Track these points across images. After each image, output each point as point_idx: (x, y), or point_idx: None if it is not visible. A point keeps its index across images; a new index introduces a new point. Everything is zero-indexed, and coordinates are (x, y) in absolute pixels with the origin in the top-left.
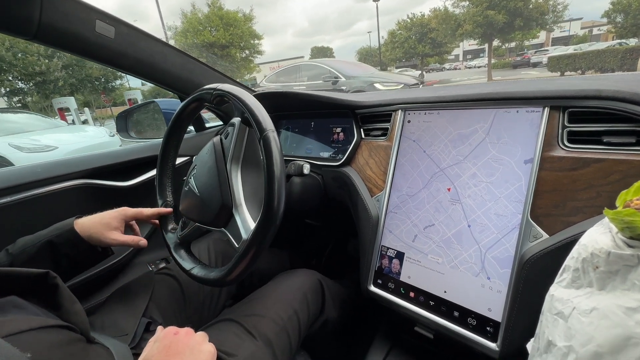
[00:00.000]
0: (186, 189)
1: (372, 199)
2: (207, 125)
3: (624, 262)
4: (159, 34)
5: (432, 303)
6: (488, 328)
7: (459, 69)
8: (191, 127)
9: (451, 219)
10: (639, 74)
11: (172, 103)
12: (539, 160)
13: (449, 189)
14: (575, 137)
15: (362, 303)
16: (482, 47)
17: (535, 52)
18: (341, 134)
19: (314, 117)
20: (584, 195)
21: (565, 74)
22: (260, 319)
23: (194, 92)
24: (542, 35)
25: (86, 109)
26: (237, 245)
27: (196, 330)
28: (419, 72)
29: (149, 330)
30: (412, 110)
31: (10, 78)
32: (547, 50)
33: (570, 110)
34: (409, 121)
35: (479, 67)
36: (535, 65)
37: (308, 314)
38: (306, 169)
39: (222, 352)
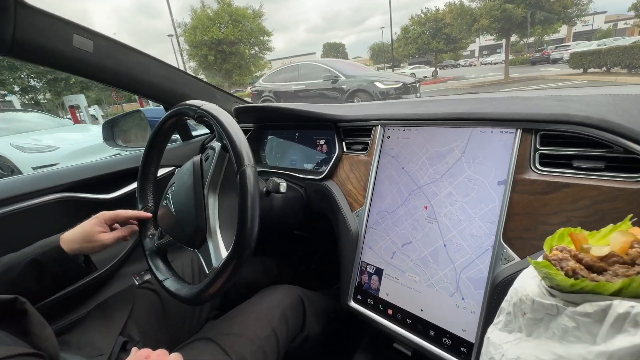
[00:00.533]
0: (164, 203)
1: (353, 214)
2: (194, 133)
3: (546, 310)
4: (170, 31)
5: (409, 321)
6: (462, 349)
7: (474, 65)
8: (177, 136)
9: (428, 237)
10: (612, 97)
11: (159, 111)
12: (512, 182)
13: (425, 207)
14: (547, 160)
15: (345, 317)
16: (499, 42)
17: (556, 47)
18: (324, 146)
19: (299, 128)
20: (555, 219)
21: (589, 71)
22: (238, 338)
23: (177, 106)
24: (563, 30)
25: (96, 106)
26: (207, 271)
27: (172, 349)
28: (432, 68)
29: (125, 350)
30: (391, 126)
31: (22, 76)
32: (569, 45)
33: (542, 133)
34: (388, 137)
35: (495, 63)
36: (555, 61)
37: (287, 331)
38: (282, 187)
39: None
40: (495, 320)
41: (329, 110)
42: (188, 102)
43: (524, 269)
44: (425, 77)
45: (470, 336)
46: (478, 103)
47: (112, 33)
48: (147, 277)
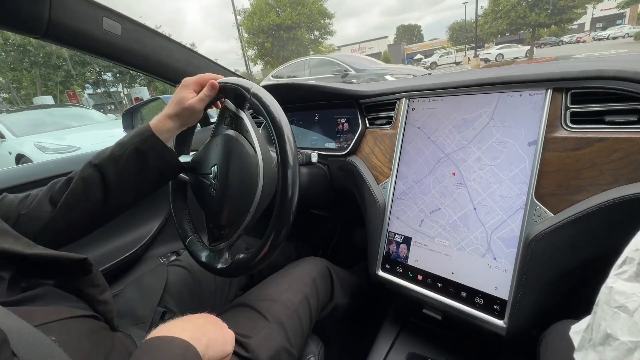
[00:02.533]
0: (213, 194)
1: (379, 187)
2: (212, 120)
3: None
4: (232, 19)
5: (439, 285)
6: (495, 306)
7: (583, 41)
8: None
9: (457, 203)
10: (635, 55)
11: None
12: (543, 142)
13: (454, 174)
14: (577, 118)
15: (370, 290)
16: (622, 11)
17: None
18: (345, 124)
19: (319, 108)
20: (587, 174)
21: None
22: (272, 303)
23: (223, 80)
24: None
25: None
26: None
27: None
28: (526, 47)
29: (164, 319)
30: (416, 97)
31: (97, 69)
32: None
33: (572, 91)
34: (413, 109)
35: (614, 37)
36: None
37: (318, 299)
38: (314, 157)
39: (238, 335)
40: (615, 271)
41: (351, 87)
42: (236, 79)
43: (558, 223)
44: (516, 58)
45: (503, 294)
46: (504, 70)
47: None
48: (173, 257)
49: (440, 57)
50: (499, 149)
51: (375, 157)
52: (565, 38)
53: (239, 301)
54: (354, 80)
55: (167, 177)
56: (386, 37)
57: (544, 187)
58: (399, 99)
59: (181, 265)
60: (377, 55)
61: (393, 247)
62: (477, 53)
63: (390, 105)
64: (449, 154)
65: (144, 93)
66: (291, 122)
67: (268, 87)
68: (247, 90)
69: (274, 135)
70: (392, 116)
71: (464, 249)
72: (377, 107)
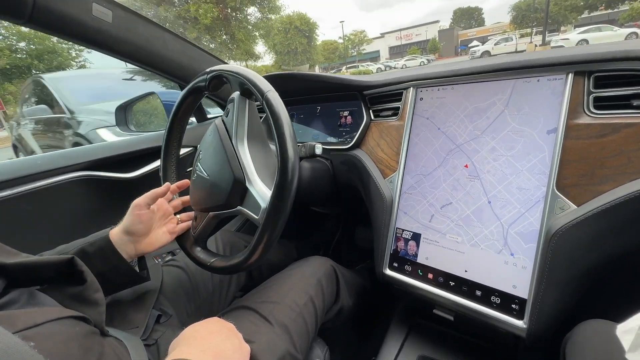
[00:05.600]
0: (194, 177)
1: (385, 181)
2: (209, 116)
3: None
4: None
5: (452, 283)
6: (513, 306)
7: None
8: (193, 119)
9: (470, 196)
10: None
11: (172, 94)
12: (564, 129)
13: (466, 166)
14: (601, 103)
15: (376, 291)
16: None
17: None
18: (349, 117)
19: (320, 101)
20: (615, 162)
21: None
22: (276, 305)
23: (190, 84)
24: None
25: None
26: (257, 217)
27: None
28: (626, 30)
29: (159, 322)
30: (424, 87)
31: None
32: None
33: (596, 75)
34: (421, 99)
35: None
36: None
37: (323, 300)
38: (318, 149)
39: None
40: None
41: (354, 77)
42: (198, 75)
43: (582, 216)
44: None
45: (523, 292)
46: (519, 56)
47: None
48: (168, 258)
49: (495, 44)
50: (515, 138)
51: (381, 151)
52: None
53: (241, 303)
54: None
55: (117, 285)
56: (437, 21)
57: (566, 178)
58: (405, 88)
59: (177, 265)
60: (423, 43)
61: (401, 244)
62: (549, 38)
63: (397, 96)
64: (461, 145)
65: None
66: (292, 117)
67: (268, 77)
68: (207, 74)
69: (273, 126)
70: (399, 107)
71: (478, 245)
72: (383, 98)
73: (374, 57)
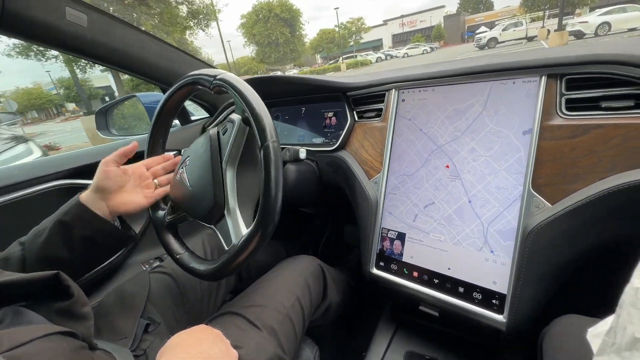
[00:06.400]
0: (177, 178)
1: (370, 182)
2: (193, 118)
3: None
4: None
5: (436, 281)
6: (494, 301)
7: None
8: (176, 121)
9: (451, 196)
10: (630, 39)
11: (154, 96)
12: (539, 130)
13: (447, 166)
14: (573, 105)
15: (364, 288)
16: None
17: None
18: (333, 118)
19: (305, 102)
20: (585, 162)
21: None
22: (263, 309)
23: (189, 75)
24: None
25: None
26: (227, 248)
27: None
28: None
29: (147, 332)
30: (406, 88)
31: None
32: None
33: (567, 77)
34: (403, 100)
35: None
36: None
37: (310, 299)
38: (302, 153)
39: None
40: None
41: (338, 79)
42: (203, 70)
43: (556, 214)
44: (634, 29)
45: (502, 288)
46: (495, 58)
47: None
48: (156, 264)
49: (503, 30)
50: (493, 138)
51: (366, 152)
52: None
53: (228, 309)
54: None
55: (109, 246)
56: (443, 7)
57: (541, 177)
58: (388, 90)
59: (164, 271)
60: (427, 30)
61: (387, 243)
62: (565, 23)
63: (380, 97)
64: (442, 146)
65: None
66: (276, 118)
67: (250, 81)
68: (214, 77)
69: (255, 131)
70: (382, 108)
71: (460, 243)
72: (366, 100)
73: (376, 45)
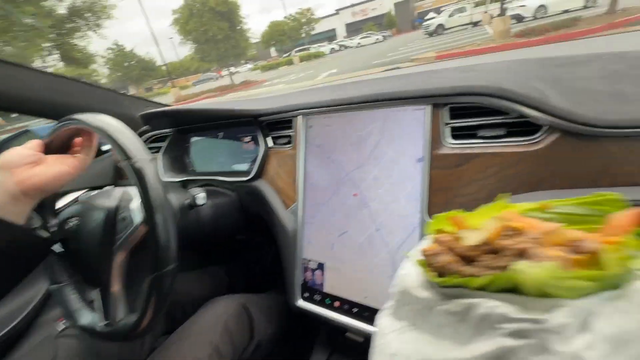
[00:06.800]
0: (67, 227)
1: (287, 212)
2: (104, 149)
3: (423, 303)
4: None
5: (355, 310)
6: None
7: None
8: None
9: (361, 224)
10: (509, 62)
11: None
12: (429, 159)
13: (355, 194)
14: (458, 133)
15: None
16: None
17: None
18: (251, 143)
19: (223, 127)
20: (468, 190)
21: None
22: None
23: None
24: None
25: None
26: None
27: None
28: None
29: None
30: (312, 114)
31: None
32: None
33: (450, 106)
34: (311, 126)
35: None
36: None
37: (233, 344)
38: (200, 199)
39: None
40: (386, 305)
41: (249, 105)
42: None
43: None
44: (567, 10)
45: None
46: (391, 82)
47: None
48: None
49: (449, 16)
50: (393, 166)
51: (281, 180)
52: None
53: None
54: None
55: (28, 261)
56: None
57: (435, 205)
58: (295, 116)
59: (73, 334)
60: (379, 18)
61: (309, 274)
62: (506, 7)
63: (289, 123)
64: (349, 173)
65: None
66: (195, 145)
67: (154, 114)
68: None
69: (132, 176)
70: (292, 135)
71: (372, 271)
72: (277, 125)
73: (331, 36)
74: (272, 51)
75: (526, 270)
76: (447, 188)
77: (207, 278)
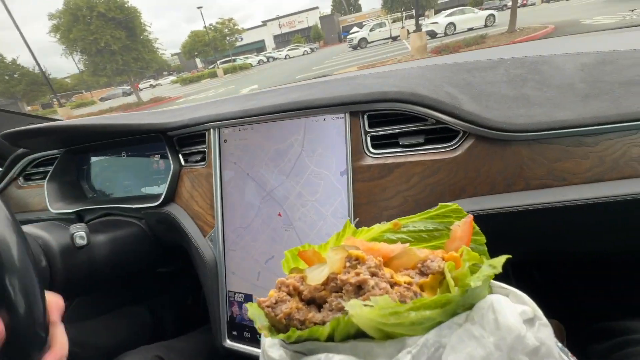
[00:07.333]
0: None
1: (205, 240)
2: None
3: None
4: None
5: None
6: None
7: (532, 3)
8: None
9: (288, 247)
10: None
11: None
12: (352, 171)
13: (279, 214)
14: (378, 142)
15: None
16: None
17: None
18: (161, 161)
19: (126, 144)
20: (394, 202)
21: None
22: None
23: None
24: None
25: None
26: None
27: None
28: (487, 12)
29: None
30: (225, 127)
31: None
32: None
33: (368, 113)
34: (225, 140)
35: None
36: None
37: None
38: (79, 239)
39: None
40: None
41: (156, 118)
42: None
43: None
44: (471, 28)
45: None
46: (308, 89)
47: None
48: None
49: (370, 30)
50: (316, 181)
51: (196, 203)
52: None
53: None
54: None
55: None
56: (316, 8)
57: (362, 222)
58: (207, 129)
59: None
60: (306, 31)
61: (236, 308)
62: (420, 23)
63: (201, 138)
64: (271, 192)
65: None
66: (94, 166)
67: (21, 133)
68: None
69: None
70: (205, 151)
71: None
72: (189, 140)
73: (259, 47)
74: (198, 62)
75: (358, 310)
76: (373, 202)
77: (123, 321)
